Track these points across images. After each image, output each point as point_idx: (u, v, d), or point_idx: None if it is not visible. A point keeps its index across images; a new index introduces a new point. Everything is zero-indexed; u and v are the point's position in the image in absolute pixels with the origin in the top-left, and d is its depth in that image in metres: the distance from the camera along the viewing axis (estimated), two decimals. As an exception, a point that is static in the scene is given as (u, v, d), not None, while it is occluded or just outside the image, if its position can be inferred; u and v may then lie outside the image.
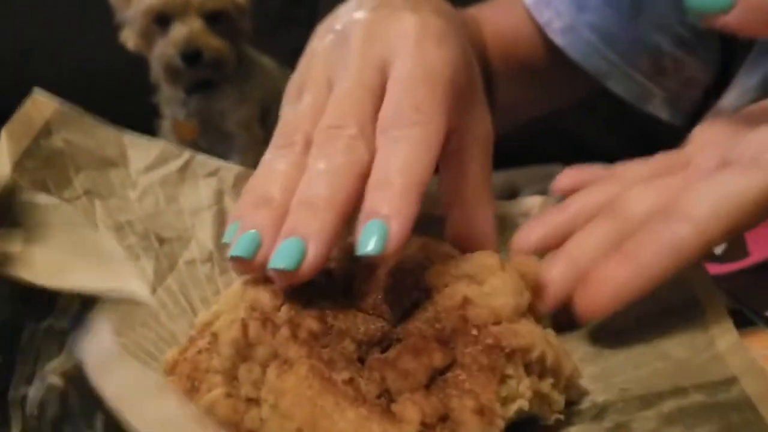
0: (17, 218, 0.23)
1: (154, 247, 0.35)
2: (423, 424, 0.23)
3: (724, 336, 0.29)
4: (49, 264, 0.21)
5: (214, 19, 0.90)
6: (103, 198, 0.35)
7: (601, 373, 0.29)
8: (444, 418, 0.23)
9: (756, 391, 0.26)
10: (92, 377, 0.17)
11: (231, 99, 0.95)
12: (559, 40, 0.48)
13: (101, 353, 0.18)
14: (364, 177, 0.28)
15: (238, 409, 0.24)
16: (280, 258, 0.26)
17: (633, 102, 0.48)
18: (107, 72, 0.95)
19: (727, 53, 0.46)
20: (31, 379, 0.20)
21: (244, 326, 0.26)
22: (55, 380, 0.19)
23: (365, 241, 0.27)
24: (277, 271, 0.26)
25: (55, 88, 0.36)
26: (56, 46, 1.06)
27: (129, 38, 0.92)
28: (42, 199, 0.25)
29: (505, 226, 0.37)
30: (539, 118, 0.57)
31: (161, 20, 0.89)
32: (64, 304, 0.20)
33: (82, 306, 0.19)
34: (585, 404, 0.28)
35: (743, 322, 0.31)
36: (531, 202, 0.40)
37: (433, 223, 0.34)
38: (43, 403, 0.19)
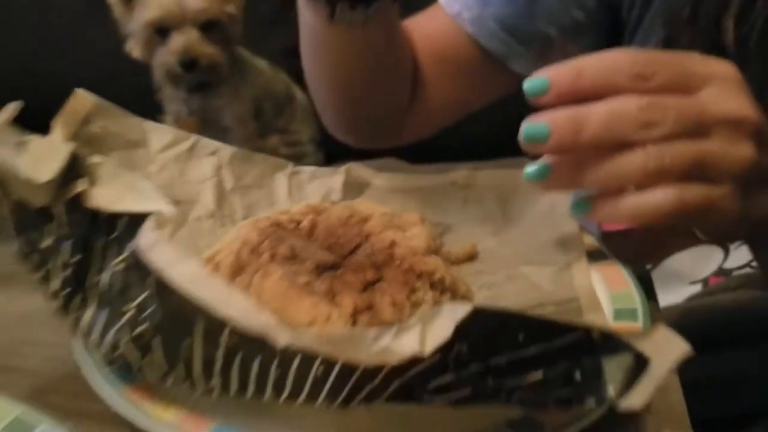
0: (82, 171, 0.34)
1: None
2: (355, 309, 0.35)
3: (577, 264, 0.41)
4: (107, 197, 0.32)
5: (208, 28, 1.01)
6: (130, 171, 0.47)
7: (491, 297, 0.41)
8: (369, 308, 0.35)
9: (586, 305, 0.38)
10: (144, 255, 0.28)
11: (227, 97, 1.06)
12: (468, 28, 0.58)
13: (148, 241, 0.29)
14: None
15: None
16: None
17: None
18: (117, 74, 1.06)
19: (615, 40, 0.57)
20: (101, 271, 0.32)
21: (238, 253, 0.38)
22: (119, 267, 0.30)
23: None
24: None
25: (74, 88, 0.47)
26: (74, 53, 1.19)
27: (134, 48, 1.03)
28: (94, 158, 0.36)
29: (435, 194, 0.49)
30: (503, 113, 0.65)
31: (161, 31, 1.00)
32: (120, 221, 0.31)
33: (131, 221, 0.30)
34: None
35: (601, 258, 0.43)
36: (460, 172, 0.50)
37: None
38: (111, 283, 0.31)
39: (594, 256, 0.43)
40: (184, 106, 1.07)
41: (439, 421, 0.31)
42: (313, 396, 0.28)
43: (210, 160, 0.50)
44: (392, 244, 0.40)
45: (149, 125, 0.50)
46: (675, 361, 0.23)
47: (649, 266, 0.37)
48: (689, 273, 0.61)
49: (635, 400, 0.24)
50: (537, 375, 0.26)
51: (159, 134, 0.50)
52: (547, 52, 0.56)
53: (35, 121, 0.40)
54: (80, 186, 0.32)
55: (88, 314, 0.30)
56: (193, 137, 0.51)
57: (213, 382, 0.28)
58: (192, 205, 0.48)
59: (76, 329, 0.31)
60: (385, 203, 0.46)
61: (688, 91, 0.32)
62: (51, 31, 1.23)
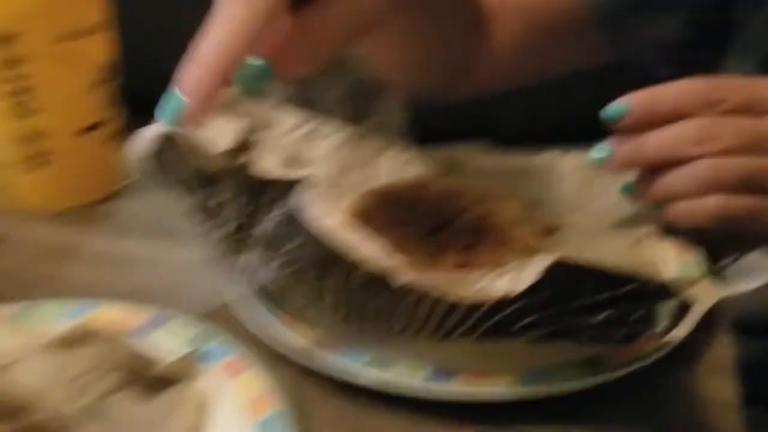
0: (249, 144, 0.42)
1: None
2: (457, 264, 0.42)
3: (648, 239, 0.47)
4: (269, 164, 0.40)
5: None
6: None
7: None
8: (470, 264, 0.42)
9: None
10: (298, 210, 0.36)
11: (327, 81, 1.15)
12: None
13: (302, 199, 0.37)
14: None
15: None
16: None
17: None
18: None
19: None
20: (264, 222, 0.40)
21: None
22: (278, 219, 0.39)
23: None
24: None
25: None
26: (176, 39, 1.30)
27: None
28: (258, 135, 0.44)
29: (525, 174, 0.56)
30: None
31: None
32: (279, 184, 0.39)
33: (288, 184, 0.38)
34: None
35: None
36: (547, 155, 0.57)
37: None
38: (271, 231, 0.39)
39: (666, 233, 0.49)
40: (286, 90, 1.16)
41: (521, 355, 0.38)
42: (420, 329, 0.36)
43: (327, 140, 0.58)
44: (487, 214, 0.47)
45: (276, 109, 0.58)
46: (714, 302, 0.30)
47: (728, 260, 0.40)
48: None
49: (680, 332, 0.30)
50: (604, 316, 0.33)
51: (286, 117, 0.58)
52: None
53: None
54: (248, 155, 0.41)
55: (250, 256, 0.39)
56: (316, 121, 0.59)
57: (345, 311, 0.37)
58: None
59: (240, 269, 0.40)
60: (480, 182, 0.54)
61: (755, 114, 0.35)
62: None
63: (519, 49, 0.63)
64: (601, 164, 0.37)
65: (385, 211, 0.48)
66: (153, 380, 0.36)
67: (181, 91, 0.31)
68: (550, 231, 0.52)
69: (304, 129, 0.60)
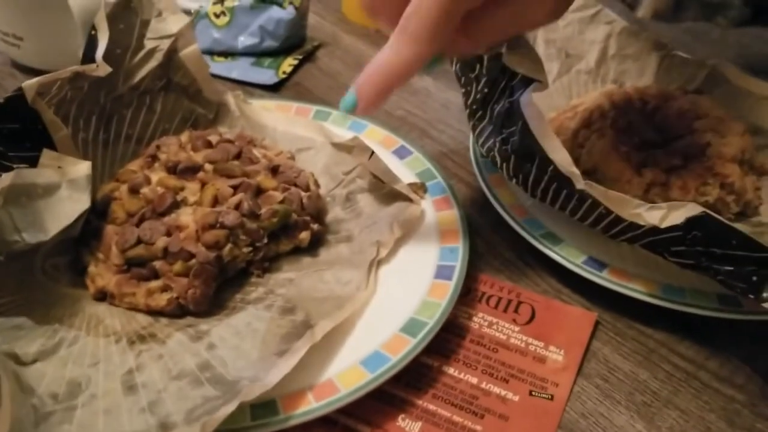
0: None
1: (561, 57, 0.62)
2: (652, 182, 0.48)
3: None
4: (517, 62, 0.49)
5: None
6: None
7: None
8: (663, 185, 0.49)
9: None
10: (521, 105, 0.45)
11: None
12: None
13: (526, 98, 0.46)
14: None
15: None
16: None
17: None
18: None
19: None
20: (497, 103, 0.50)
21: (591, 113, 0.53)
22: (506, 105, 0.48)
23: None
24: None
25: None
26: None
27: None
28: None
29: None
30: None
31: None
32: (517, 77, 0.48)
33: (523, 79, 0.47)
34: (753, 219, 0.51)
35: None
36: None
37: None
38: (500, 112, 0.49)
39: None
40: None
41: (666, 272, 0.45)
42: (594, 224, 0.45)
43: (605, 28, 0.64)
44: (707, 144, 0.51)
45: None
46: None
47: None
48: None
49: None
50: (734, 269, 0.39)
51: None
52: None
53: None
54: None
55: (482, 124, 0.49)
56: (600, 5, 0.64)
57: (537, 193, 0.46)
58: (578, 60, 0.63)
59: (476, 134, 0.50)
60: (731, 105, 0.56)
61: None
62: None
63: None
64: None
65: (620, 115, 0.54)
66: (388, 192, 0.50)
67: (355, 92, 0.39)
68: (762, 172, 0.55)
69: (588, 12, 0.65)
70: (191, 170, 0.45)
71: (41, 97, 0.43)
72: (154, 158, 0.47)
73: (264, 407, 0.36)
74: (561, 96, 0.61)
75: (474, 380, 0.41)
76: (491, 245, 0.50)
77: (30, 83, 0.42)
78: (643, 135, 0.53)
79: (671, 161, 0.50)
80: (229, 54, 0.70)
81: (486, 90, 0.48)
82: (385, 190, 0.49)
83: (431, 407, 0.40)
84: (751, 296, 0.38)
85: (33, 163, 0.42)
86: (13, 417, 0.30)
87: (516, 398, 0.40)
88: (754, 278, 0.38)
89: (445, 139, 0.60)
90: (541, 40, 0.62)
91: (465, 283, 0.44)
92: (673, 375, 0.43)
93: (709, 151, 0.51)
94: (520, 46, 0.43)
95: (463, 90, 0.52)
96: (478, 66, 0.48)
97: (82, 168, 0.42)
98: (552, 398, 0.40)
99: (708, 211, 0.39)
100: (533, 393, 0.41)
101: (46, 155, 0.42)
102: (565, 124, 0.55)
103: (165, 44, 0.51)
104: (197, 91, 0.54)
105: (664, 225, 0.40)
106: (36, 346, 0.37)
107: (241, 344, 0.39)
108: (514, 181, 0.48)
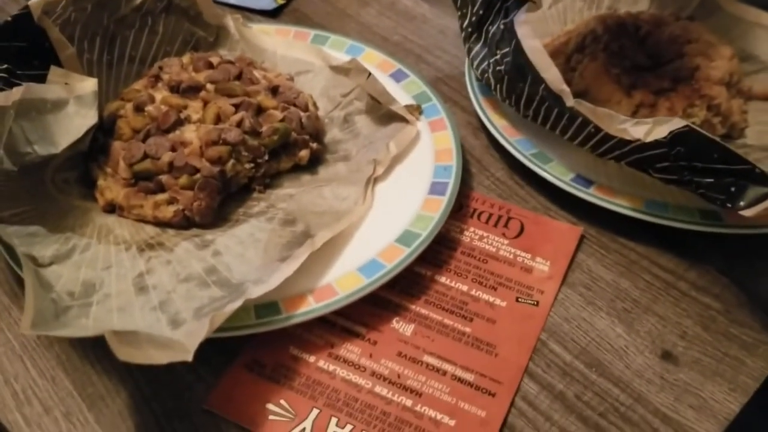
0: None
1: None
2: (641, 103, 0.50)
3: None
4: None
5: None
6: None
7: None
8: (651, 106, 0.50)
9: None
10: (515, 26, 0.46)
11: None
12: None
13: (520, 18, 0.47)
14: None
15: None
16: None
17: None
18: None
19: None
20: (492, 24, 0.51)
21: (585, 37, 0.54)
22: (501, 27, 0.49)
23: None
24: None
25: None
26: None
27: None
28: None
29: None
30: None
31: None
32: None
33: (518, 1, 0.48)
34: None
35: None
36: None
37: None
38: (494, 33, 0.50)
39: None
40: None
41: (651, 188, 0.47)
42: (583, 143, 0.46)
43: None
44: (696, 67, 0.53)
45: None
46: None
47: None
48: None
49: (749, 213, 0.38)
50: (714, 181, 0.41)
51: None
52: None
53: None
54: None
55: (477, 47, 0.50)
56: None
57: (529, 113, 0.48)
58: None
59: (471, 56, 0.52)
60: (723, 31, 0.57)
61: None
62: None
63: None
64: None
65: (612, 39, 0.55)
66: (385, 114, 0.51)
67: None
68: (763, 97, 0.56)
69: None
70: (194, 89, 0.47)
71: (47, 15, 0.44)
72: (157, 78, 0.48)
73: (267, 307, 0.39)
74: (556, 22, 0.62)
75: (464, 288, 0.44)
76: (484, 165, 0.52)
77: (36, 1, 0.43)
78: (635, 59, 0.54)
79: (660, 84, 0.52)
80: (228, -19, 0.70)
81: (481, 12, 0.50)
82: (381, 112, 0.51)
83: (423, 311, 0.42)
84: (729, 206, 0.40)
85: (41, 81, 0.43)
86: (36, 308, 0.33)
87: (503, 304, 0.43)
88: (733, 189, 0.40)
89: (440, 64, 0.61)
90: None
91: (458, 199, 0.46)
92: (653, 284, 0.45)
93: (698, 74, 0.53)
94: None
95: (459, 13, 0.53)
96: (473, -12, 0.49)
97: (89, 84, 0.44)
98: (537, 304, 0.43)
99: (691, 125, 0.40)
100: (519, 299, 0.43)
101: (54, 72, 0.43)
102: (560, 49, 0.57)
103: (165, -34, 0.52)
104: (197, 14, 0.55)
105: (648, 139, 0.42)
106: (51, 251, 0.39)
107: (245, 252, 0.41)
108: (507, 102, 0.49)
